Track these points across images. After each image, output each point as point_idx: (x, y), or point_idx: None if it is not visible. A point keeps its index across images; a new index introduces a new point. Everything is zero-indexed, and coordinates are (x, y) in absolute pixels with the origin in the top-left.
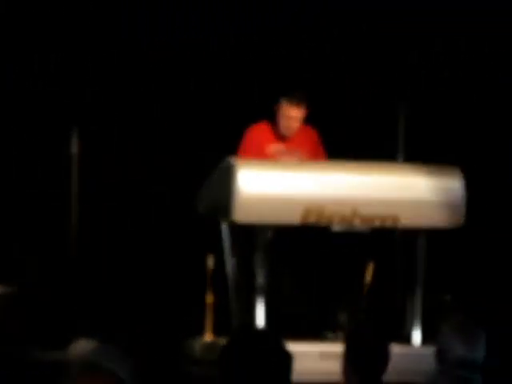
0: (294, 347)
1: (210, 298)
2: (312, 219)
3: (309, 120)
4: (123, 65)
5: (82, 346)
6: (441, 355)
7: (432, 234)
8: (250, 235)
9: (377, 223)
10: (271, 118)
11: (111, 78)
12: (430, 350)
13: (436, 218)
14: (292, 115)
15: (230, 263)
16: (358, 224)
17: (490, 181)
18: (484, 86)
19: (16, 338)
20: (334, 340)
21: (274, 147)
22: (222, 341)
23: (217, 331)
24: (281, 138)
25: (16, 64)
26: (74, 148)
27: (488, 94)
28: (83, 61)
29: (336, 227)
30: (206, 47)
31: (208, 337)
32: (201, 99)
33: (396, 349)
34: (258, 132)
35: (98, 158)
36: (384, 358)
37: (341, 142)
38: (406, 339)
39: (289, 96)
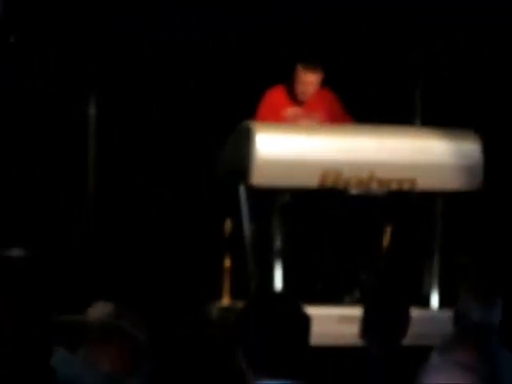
0: (312, 310)
1: (227, 262)
2: (329, 183)
3: (325, 83)
4: (140, 28)
5: (100, 309)
6: (458, 318)
7: (450, 197)
8: (267, 199)
9: (394, 186)
10: (287, 81)
11: (129, 40)
12: (448, 313)
13: (453, 182)
14: (308, 80)
15: (247, 227)
16: (375, 187)
17: (508, 144)
18: (501, 51)
19: (34, 302)
20: (352, 303)
21: (291, 111)
22: (240, 304)
23: (234, 295)
24: (297, 101)
25: (36, 28)
26: (92, 109)
27: (505, 58)
28: (101, 24)
29: (353, 190)
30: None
31: (226, 300)
32: (218, 64)
33: (414, 312)
34: (275, 96)
35: (116, 120)
36: (403, 321)
37: (358, 106)
38: (424, 302)
39: (304, 61)
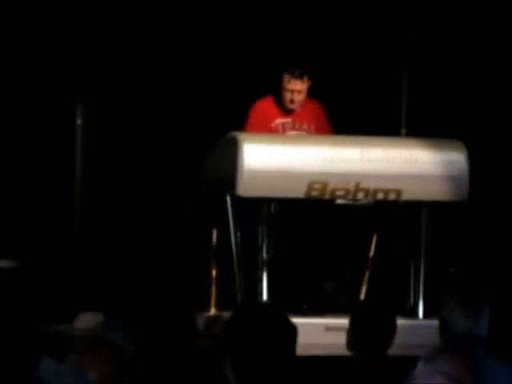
0: (299, 320)
1: (214, 272)
2: (316, 193)
3: (311, 94)
4: (128, 33)
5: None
6: (444, 329)
7: (436, 206)
8: (254, 209)
9: (380, 197)
10: (275, 92)
11: (116, 48)
12: (434, 323)
13: (439, 192)
14: (295, 88)
15: (234, 237)
16: (361, 197)
17: (494, 154)
18: (488, 56)
19: (22, 312)
20: (338, 313)
21: (279, 121)
22: (227, 314)
23: (221, 305)
24: (286, 112)
25: (21, 32)
26: (79, 119)
27: (493, 66)
28: (88, 29)
29: (339, 201)
30: (209, 23)
31: (212, 311)
32: (205, 75)
33: (400, 322)
34: (264, 107)
35: (102, 129)
36: (390, 331)
37: (344, 117)
38: (410, 312)
39: (291, 69)
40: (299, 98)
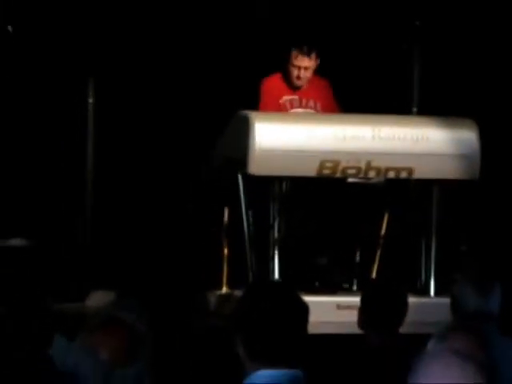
0: (310, 299)
1: (225, 251)
2: (327, 172)
3: (322, 73)
4: (140, 14)
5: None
6: (455, 306)
7: (447, 185)
8: (265, 187)
9: (391, 175)
10: (283, 69)
11: (127, 28)
12: (446, 301)
13: (451, 170)
14: (302, 64)
15: (245, 216)
16: (372, 176)
17: (506, 133)
18: (501, 34)
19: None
20: (350, 291)
21: (287, 98)
22: (238, 293)
23: (232, 284)
24: (293, 89)
25: (35, 13)
26: (91, 97)
27: (505, 44)
28: (101, 9)
29: (351, 179)
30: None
31: (224, 289)
32: (213, 53)
33: (411, 300)
34: (271, 84)
35: (114, 108)
36: (401, 309)
37: (356, 95)
38: (422, 290)
39: (299, 46)
40: (306, 74)
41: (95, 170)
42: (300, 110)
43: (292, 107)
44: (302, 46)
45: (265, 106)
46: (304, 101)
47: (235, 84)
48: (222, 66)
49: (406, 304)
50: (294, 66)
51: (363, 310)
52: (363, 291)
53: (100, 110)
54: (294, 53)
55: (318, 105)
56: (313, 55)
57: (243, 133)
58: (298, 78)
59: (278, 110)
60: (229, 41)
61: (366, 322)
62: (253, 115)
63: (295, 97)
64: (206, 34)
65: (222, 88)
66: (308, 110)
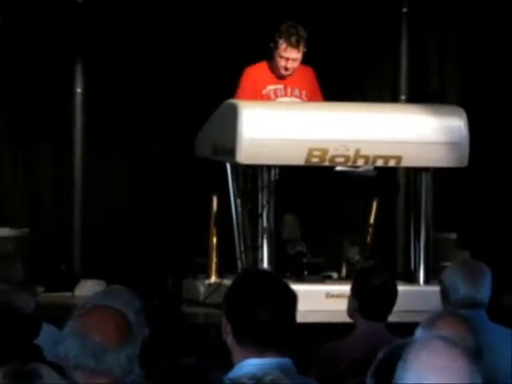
0: (299, 287)
1: (214, 240)
2: (315, 160)
3: (308, 60)
4: (127, 2)
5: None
6: (445, 294)
7: (437, 172)
8: (254, 176)
9: (380, 163)
10: (267, 58)
11: (115, 17)
12: (435, 289)
13: (439, 158)
14: (291, 56)
15: (234, 204)
16: (361, 164)
17: (494, 120)
18: (488, 20)
19: (24, 280)
20: (339, 280)
21: (272, 87)
22: (227, 281)
23: (221, 273)
24: (278, 77)
25: (20, 2)
26: (79, 86)
27: (493, 31)
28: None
29: (339, 167)
30: None
31: (213, 278)
32: (200, 40)
33: (401, 288)
34: (255, 73)
35: (102, 97)
36: (391, 297)
37: (344, 83)
38: (411, 278)
39: (287, 36)
40: (294, 65)
41: (83, 158)
42: (285, 99)
43: (276, 96)
44: (290, 37)
45: (243, 95)
46: (289, 89)
47: (223, 72)
48: (209, 54)
49: (395, 292)
50: (282, 57)
51: (352, 299)
52: (352, 279)
53: (88, 100)
54: (283, 45)
55: (303, 93)
56: (301, 46)
57: (231, 121)
58: (286, 68)
59: (262, 99)
60: (215, 29)
61: (355, 310)
62: (241, 104)
63: (280, 86)
64: (194, 22)
65: (211, 76)
66: (293, 99)
